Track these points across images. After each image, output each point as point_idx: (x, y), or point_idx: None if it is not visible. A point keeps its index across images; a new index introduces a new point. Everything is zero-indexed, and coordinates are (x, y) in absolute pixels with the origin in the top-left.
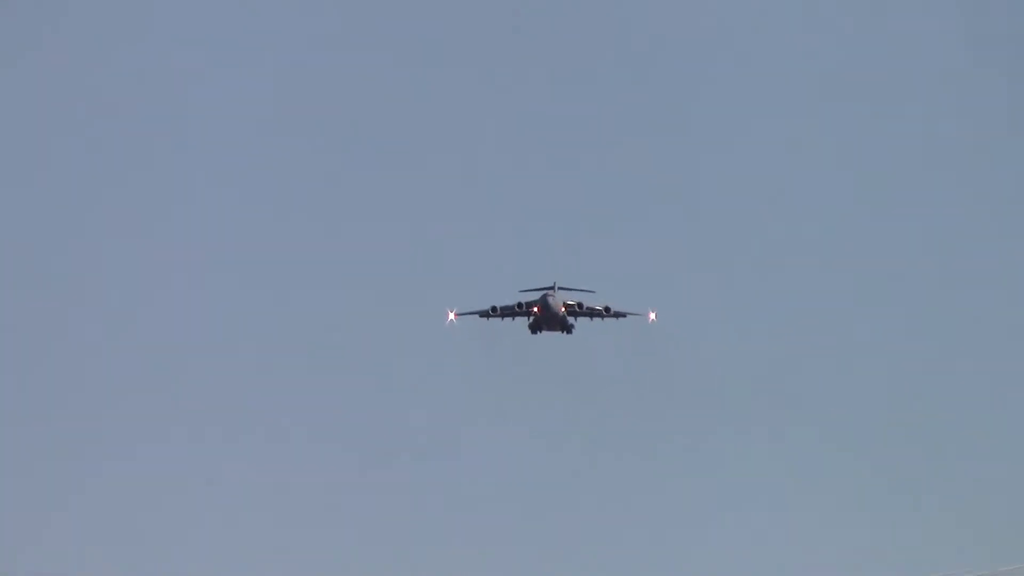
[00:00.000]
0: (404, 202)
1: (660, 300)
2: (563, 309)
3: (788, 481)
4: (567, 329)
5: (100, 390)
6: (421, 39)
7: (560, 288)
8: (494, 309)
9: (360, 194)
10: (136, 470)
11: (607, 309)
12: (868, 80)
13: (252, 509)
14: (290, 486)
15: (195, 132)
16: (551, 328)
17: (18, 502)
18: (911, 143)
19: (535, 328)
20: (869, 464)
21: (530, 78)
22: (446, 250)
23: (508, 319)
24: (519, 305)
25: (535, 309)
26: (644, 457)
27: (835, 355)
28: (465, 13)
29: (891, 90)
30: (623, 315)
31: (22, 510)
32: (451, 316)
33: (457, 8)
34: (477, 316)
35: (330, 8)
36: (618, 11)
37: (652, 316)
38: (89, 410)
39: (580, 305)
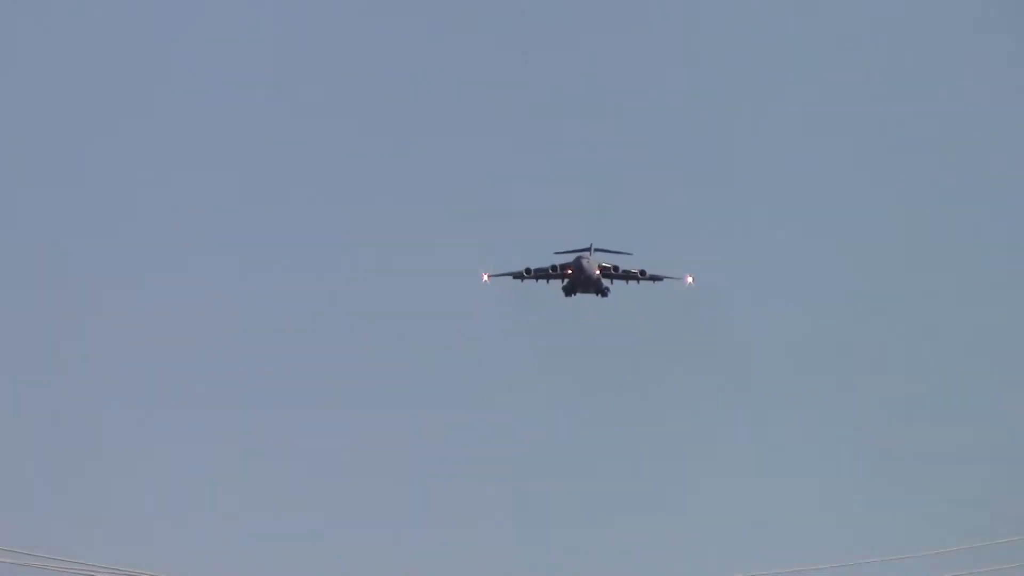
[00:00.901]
0: (437, 162)
1: (698, 264)
2: (598, 271)
3: (827, 455)
4: (602, 292)
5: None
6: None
7: (596, 250)
8: (528, 271)
9: (393, 155)
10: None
11: (643, 272)
12: (919, 53)
13: (286, 470)
14: (320, 449)
15: (216, 111)
16: (585, 290)
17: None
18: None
19: (569, 291)
20: (916, 441)
21: (560, 35)
22: (482, 209)
23: (543, 281)
24: (553, 267)
25: (569, 271)
26: (675, 425)
27: (879, 323)
28: None
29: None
30: (659, 278)
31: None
32: (485, 277)
33: None
34: (511, 278)
35: None
36: None
37: (689, 280)
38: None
39: (615, 268)
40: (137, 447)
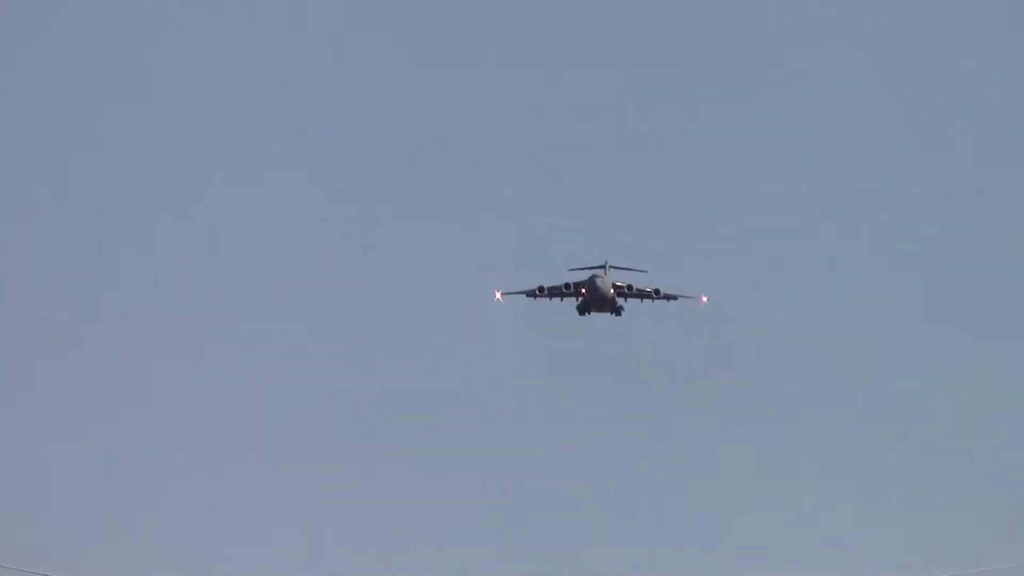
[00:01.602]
0: (454, 180)
1: (713, 283)
2: (612, 290)
3: (840, 473)
4: (616, 311)
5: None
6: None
7: (611, 267)
8: (541, 289)
9: (409, 173)
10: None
11: (657, 291)
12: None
13: (298, 486)
14: (334, 464)
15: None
16: (600, 309)
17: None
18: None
19: (583, 309)
20: (939, 455)
21: (580, 52)
22: (497, 227)
23: (556, 299)
24: (567, 285)
25: (583, 290)
26: (688, 444)
27: (897, 344)
28: None
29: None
30: (674, 297)
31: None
32: (498, 295)
33: None
34: (524, 296)
35: None
36: None
37: (704, 300)
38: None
39: (630, 287)
40: (140, 449)
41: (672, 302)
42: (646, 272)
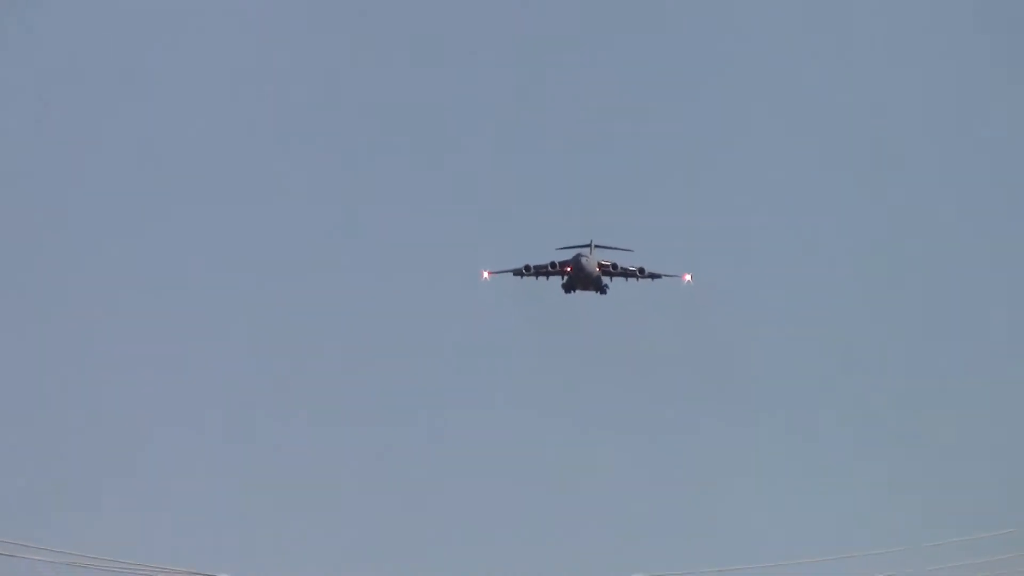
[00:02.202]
0: (440, 161)
1: (697, 262)
2: (597, 269)
3: (826, 455)
4: (601, 289)
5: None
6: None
7: (597, 246)
8: (527, 268)
9: (391, 153)
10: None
11: (641, 270)
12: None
13: (288, 471)
14: (322, 449)
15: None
16: (585, 288)
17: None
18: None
19: (568, 288)
20: (917, 439)
21: (559, 39)
22: (482, 205)
23: (542, 278)
24: (552, 264)
25: (568, 269)
26: (673, 424)
27: (880, 322)
28: None
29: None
30: (658, 276)
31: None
32: (485, 275)
33: None
34: (511, 275)
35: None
36: None
37: (687, 278)
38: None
39: (614, 265)
40: (144, 451)
41: (656, 281)
42: (631, 251)
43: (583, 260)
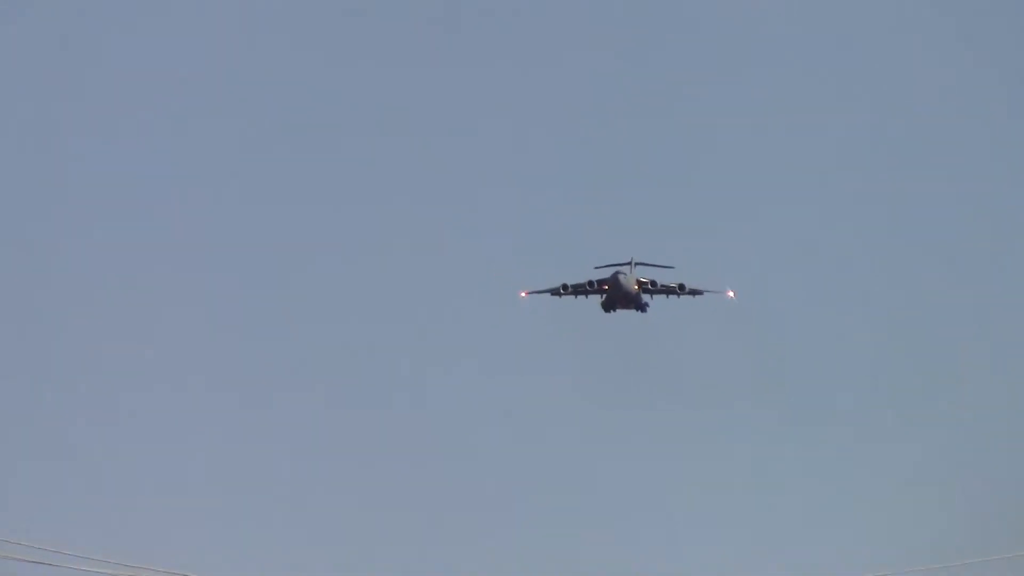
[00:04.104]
0: (480, 174)
1: (741, 278)
2: (636, 287)
3: (868, 467)
4: (641, 307)
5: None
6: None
7: (637, 264)
8: (565, 287)
9: (430, 170)
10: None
11: (682, 287)
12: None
13: (321, 480)
14: (358, 463)
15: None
16: (624, 306)
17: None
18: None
19: (608, 307)
20: (976, 453)
21: (603, 56)
22: (523, 223)
23: (581, 297)
24: (590, 283)
25: (606, 287)
26: (716, 440)
27: (924, 337)
28: None
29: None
30: (700, 292)
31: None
32: (522, 295)
33: None
34: (548, 295)
35: None
36: None
37: (731, 294)
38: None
39: (653, 283)
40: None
41: (698, 297)
42: (673, 268)
43: (621, 278)
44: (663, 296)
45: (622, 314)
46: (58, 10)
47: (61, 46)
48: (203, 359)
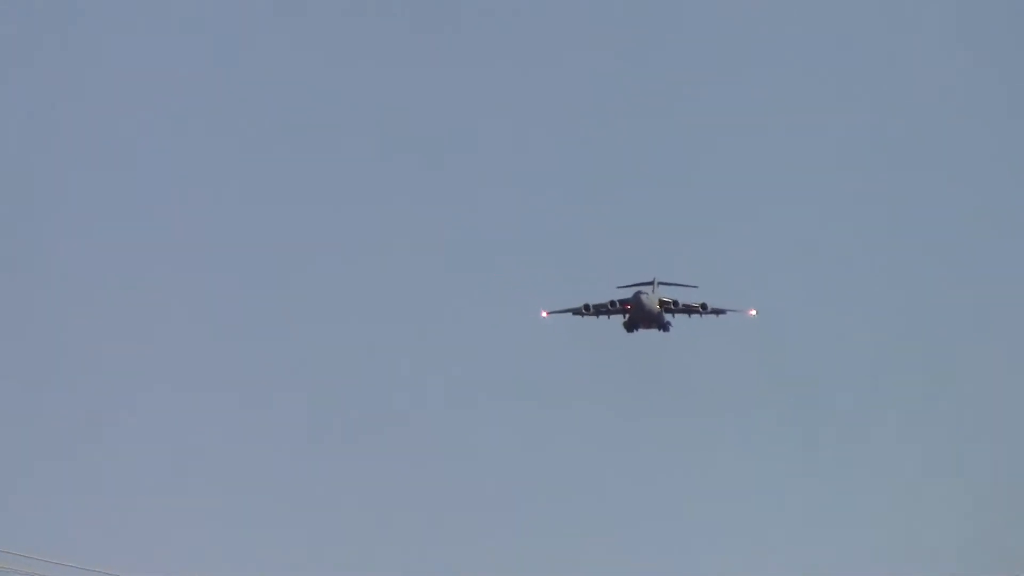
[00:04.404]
0: (500, 194)
1: (763, 297)
2: (658, 306)
3: (895, 484)
4: (663, 327)
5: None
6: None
7: (660, 283)
8: (587, 307)
9: (458, 188)
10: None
11: (704, 306)
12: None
13: (339, 504)
14: (377, 481)
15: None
16: (647, 326)
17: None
18: None
19: (631, 326)
20: (1007, 467)
21: (622, 69)
22: (545, 243)
23: (603, 317)
24: (612, 303)
25: (628, 307)
26: (740, 458)
27: (945, 354)
28: None
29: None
30: (722, 312)
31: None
32: (544, 314)
33: None
34: (570, 314)
35: None
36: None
37: (753, 313)
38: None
39: (676, 302)
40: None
41: (721, 316)
42: (696, 287)
43: (643, 297)
44: (685, 315)
45: (644, 333)
46: (58, 10)
47: (61, 46)
48: (208, 370)
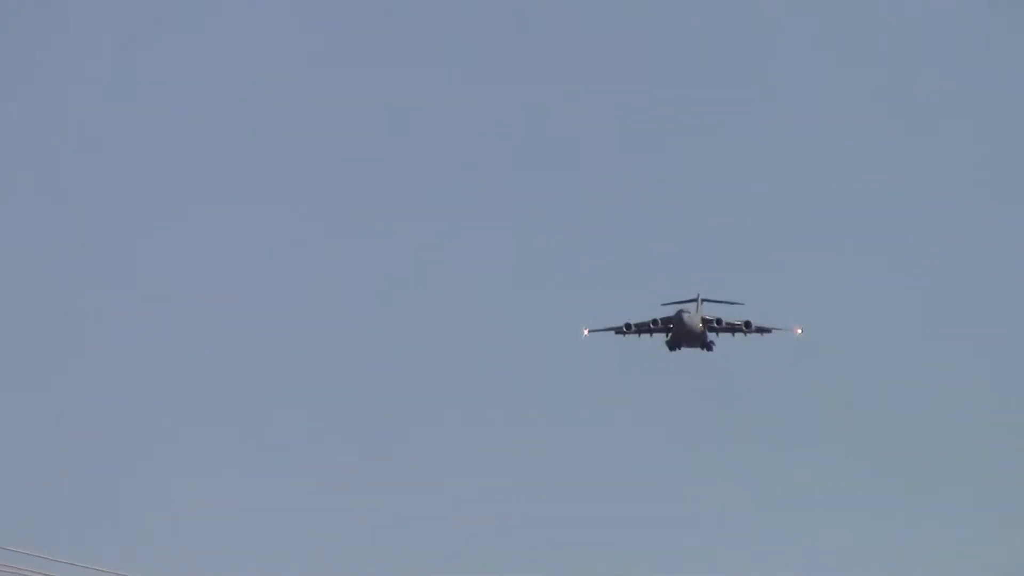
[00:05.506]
0: (544, 210)
1: (811, 314)
2: (701, 325)
3: (947, 508)
4: (706, 346)
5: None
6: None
7: (705, 300)
8: (628, 326)
9: (497, 201)
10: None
11: (748, 324)
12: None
13: (366, 524)
14: (414, 499)
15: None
16: (690, 344)
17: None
18: None
19: (673, 345)
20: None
21: (664, 85)
22: (585, 260)
23: (646, 335)
24: (654, 321)
25: (670, 325)
26: (785, 480)
27: (997, 367)
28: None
29: None
30: (767, 330)
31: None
32: (585, 332)
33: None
34: (612, 333)
35: None
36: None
37: (798, 331)
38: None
39: (719, 320)
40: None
41: (766, 335)
42: (743, 304)
43: (685, 316)
44: (729, 334)
45: (687, 352)
46: (58, 10)
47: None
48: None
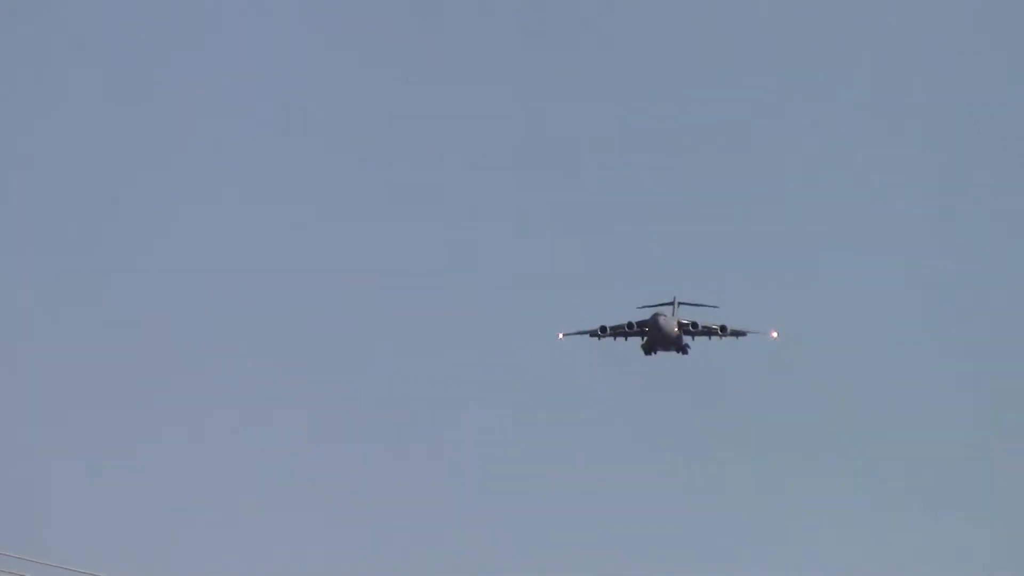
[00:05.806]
0: (517, 213)
1: (786, 317)
2: (676, 329)
3: (922, 514)
4: (682, 349)
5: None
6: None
7: (681, 303)
8: (603, 329)
9: (463, 207)
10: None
11: (723, 328)
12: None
13: (353, 522)
14: (386, 503)
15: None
16: (665, 348)
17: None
18: None
19: (649, 349)
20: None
21: (637, 77)
22: (562, 263)
23: (621, 339)
24: (629, 325)
25: (645, 329)
26: (759, 485)
27: (978, 380)
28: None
29: None
30: (742, 333)
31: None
32: (559, 336)
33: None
34: (587, 336)
35: None
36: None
37: (774, 335)
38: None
39: (695, 324)
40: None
41: (741, 338)
42: (718, 308)
43: (660, 320)
44: (705, 337)
45: (662, 356)
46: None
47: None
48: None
